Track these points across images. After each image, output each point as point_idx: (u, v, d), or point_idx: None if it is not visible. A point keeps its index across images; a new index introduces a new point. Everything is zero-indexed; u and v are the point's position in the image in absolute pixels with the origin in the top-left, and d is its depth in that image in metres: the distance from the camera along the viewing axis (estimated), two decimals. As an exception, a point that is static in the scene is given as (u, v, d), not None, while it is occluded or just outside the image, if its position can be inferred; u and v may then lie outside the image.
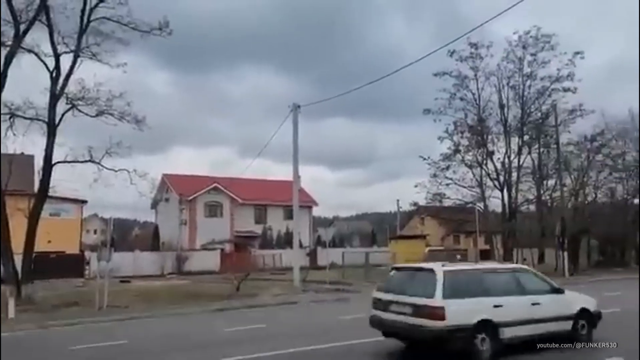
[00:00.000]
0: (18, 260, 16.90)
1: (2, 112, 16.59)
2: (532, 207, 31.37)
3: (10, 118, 17.24)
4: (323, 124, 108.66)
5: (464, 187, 29.80)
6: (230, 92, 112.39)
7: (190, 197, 47.54)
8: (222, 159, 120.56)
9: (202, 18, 68.65)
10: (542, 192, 29.88)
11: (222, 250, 43.57)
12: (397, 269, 9.27)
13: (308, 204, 51.65)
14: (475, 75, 28.99)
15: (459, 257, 37.85)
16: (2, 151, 16.81)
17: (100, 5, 17.84)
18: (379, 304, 8.33)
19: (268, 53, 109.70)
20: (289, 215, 45.02)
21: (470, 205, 31.14)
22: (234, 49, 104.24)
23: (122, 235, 68.72)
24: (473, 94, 29.37)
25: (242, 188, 48.70)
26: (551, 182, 29.95)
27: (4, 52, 16.49)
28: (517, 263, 26.93)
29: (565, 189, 28.72)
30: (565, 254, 25.62)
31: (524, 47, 28.33)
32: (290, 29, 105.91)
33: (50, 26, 17.26)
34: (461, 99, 29.36)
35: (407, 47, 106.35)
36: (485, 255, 35.70)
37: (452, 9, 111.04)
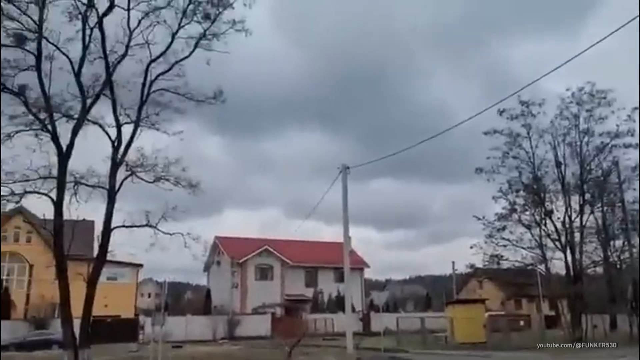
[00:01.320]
0: (76, 324, 17.17)
1: (67, 180, 17.44)
2: (599, 270, 29.49)
3: (74, 186, 18.06)
4: (370, 184, 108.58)
5: (523, 248, 28.43)
6: (278, 154, 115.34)
7: (241, 260, 47.83)
8: (270, 221, 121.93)
9: (252, 83, 71.73)
10: (609, 253, 28.13)
11: (273, 314, 43.07)
12: None
13: (359, 266, 50.85)
14: (528, 133, 28.27)
15: (522, 323, 35.82)
16: (65, 218, 17.51)
17: (160, 78, 18.89)
18: None
19: (313, 114, 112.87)
20: (339, 277, 44.34)
21: (530, 267, 29.60)
22: (281, 112, 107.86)
23: (175, 298, 69.46)
24: (527, 152, 28.55)
25: (292, 250, 48.69)
26: (618, 242, 28.21)
27: (72, 124, 17.56)
28: (586, 330, 25.10)
29: (634, 250, 26.91)
30: (640, 320, 23.65)
31: (578, 104, 27.57)
32: (335, 90, 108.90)
33: (113, 99, 18.33)
34: (514, 157, 28.57)
35: (453, 105, 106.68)
36: (550, 322, 33.54)
37: (498, 66, 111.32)
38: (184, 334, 35.13)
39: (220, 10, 18.43)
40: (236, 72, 44.53)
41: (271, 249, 48.98)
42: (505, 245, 28.21)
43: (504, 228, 28.35)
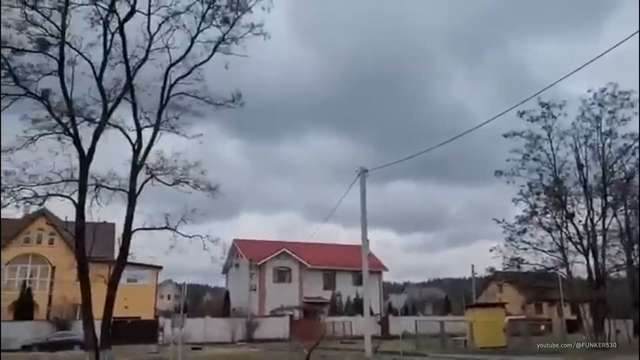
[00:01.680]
0: (97, 326, 17.39)
1: (88, 183, 17.70)
2: (623, 274, 28.87)
3: (95, 189, 18.31)
4: (388, 187, 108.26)
5: (544, 251, 28.00)
6: (295, 157, 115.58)
7: (260, 262, 47.97)
8: (288, 224, 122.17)
9: (270, 86, 72.02)
10: (632, 257, 27.54)
11: (291, 316, 43.10)
12: None
13: (377, 269, 50.66)
14: (549, 135, 27.86)
15: (543, 327, 35.26)
16: (86, 220, 17.77)
17: (179, 82, 19.09)
18: None
19: (330, 117, 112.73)
20: (358, 280, 44.29)
21: (551, 270, 29.13)
22: (298, 115, 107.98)
23: (194, 300, 69.99)
24: (547, 154, 28.14)
25: (310, 253, 48.70)
26: (642, 246, 27.58)
27: (93, 128, 17.85)
28: (609, 335, 24.65)
29: (659, 253, 26.28)
30: (665, 326, 23.09)
31: (600, 105, 27.08)
32: (352, 92, 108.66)
33: (134, 103, 18.57)
34: (535, 159, 28.18)
35: (471, 106, 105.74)
36: (572, 327, 32.98)
37: (517, 67, 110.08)
38: (202, 336, 35.34)
39: (239, 14, 18.57)
40: (254, 75, 44.75)
41: (289, 252, 49.05)
42: (525, 249, 27.81)
43: (524, 231, 27.95)
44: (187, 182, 19.35)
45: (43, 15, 16.72)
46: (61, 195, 17.57)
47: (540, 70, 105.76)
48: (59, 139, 17.54)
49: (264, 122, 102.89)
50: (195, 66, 18.88)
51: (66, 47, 17.08)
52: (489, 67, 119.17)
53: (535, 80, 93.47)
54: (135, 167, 18.42)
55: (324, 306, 48.07)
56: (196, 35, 18.57)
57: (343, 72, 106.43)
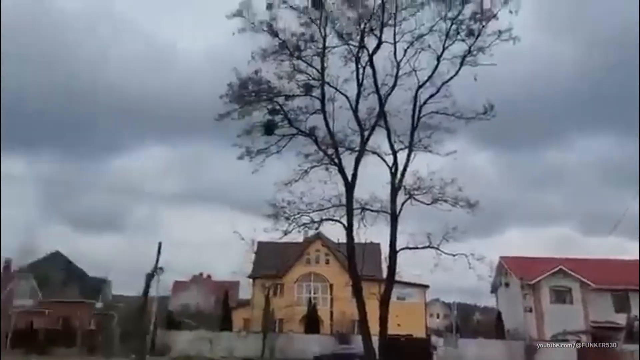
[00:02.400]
0: (374, 342, 18.41)
1: (354, 207, 19.20)
2: None
3: (361, 212, 19.78)
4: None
5: None
6: (563, 163, 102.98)
7: (533, 281, 44.31)
8: (561, 238, 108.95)
9: (521, 91, 66.75)
10: None
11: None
12: None
13: (688, 289, 41.50)
14: None
15: None
16: (355, 241, 19.22)
17: (429, 101, 19.37)
18: None
19: (607, 116, 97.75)
20: (660, 303, 37.06)
21: None
22: (562, 118, 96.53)
23: (463, 319, 68.48)
24: None
25: (593, 270, 42.92)
26: None
27: (354, 156, 19.39)
28: None
29: None
30: None
31: None
32: (624, 84, 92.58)
33: (387, 129, 19.58)
34: None
35: None
36: None
37: None
38: (475, 358, 34.12)
39: (484, 24, 18.09)
40: (502, 81, 42.14)
41: (567, 270, 44.11)
42: None
43: None
44: (445, 200, 19.35)
45: (306, 63, 19.12)
46: (332, 220, 19.54)
47: None
48: (327, 169, 19.64)
49: (516, 129, 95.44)
50: (443, 84, 19.01)
51: (326, 87, 19.11)
52: None
53: None
54: (394, 189, 19.22)
55: (618, 332, 41.50)
56: (442, 53, 18.74)
57: (609, 63, 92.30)
